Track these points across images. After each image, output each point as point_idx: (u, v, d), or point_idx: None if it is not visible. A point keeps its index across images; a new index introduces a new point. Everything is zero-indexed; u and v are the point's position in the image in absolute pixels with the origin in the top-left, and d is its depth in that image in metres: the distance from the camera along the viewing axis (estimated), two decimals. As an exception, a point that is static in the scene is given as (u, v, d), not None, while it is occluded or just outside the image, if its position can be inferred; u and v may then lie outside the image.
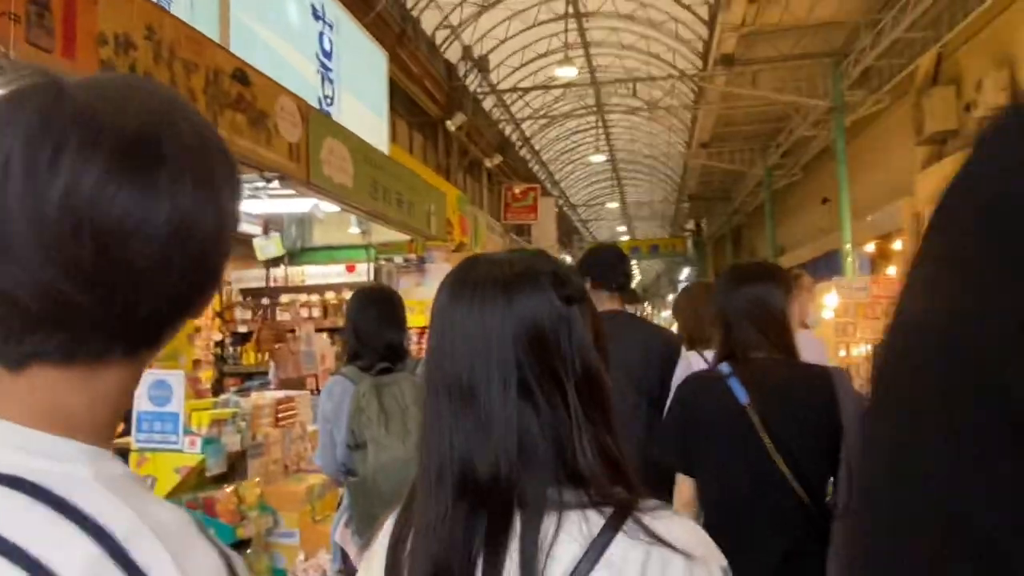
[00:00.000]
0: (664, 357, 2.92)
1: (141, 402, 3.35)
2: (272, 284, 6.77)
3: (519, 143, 23.14)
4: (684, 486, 2.16)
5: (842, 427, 1.88)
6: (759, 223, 27.76)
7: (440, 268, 7.12)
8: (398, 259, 7.17)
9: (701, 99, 15.88)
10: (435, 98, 14.61)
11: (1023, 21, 10.63)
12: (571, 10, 15.34)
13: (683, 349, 3.15)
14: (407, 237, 6.88)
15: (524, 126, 22.72)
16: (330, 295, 6.57)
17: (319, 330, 6.64)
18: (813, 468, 1.94)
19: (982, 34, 11.63)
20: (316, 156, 4.09)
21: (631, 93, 15.41)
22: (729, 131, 19.97)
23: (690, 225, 37.55)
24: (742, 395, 2.01)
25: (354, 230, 7.10)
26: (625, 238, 45.54)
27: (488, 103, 18.19)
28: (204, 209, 0.57)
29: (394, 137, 12.92)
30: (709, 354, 2.70)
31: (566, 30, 16.00)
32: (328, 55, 5.72)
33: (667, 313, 59.42)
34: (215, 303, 6.85)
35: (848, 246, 13.21)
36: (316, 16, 5.53)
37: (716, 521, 1.97)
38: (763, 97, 14.63)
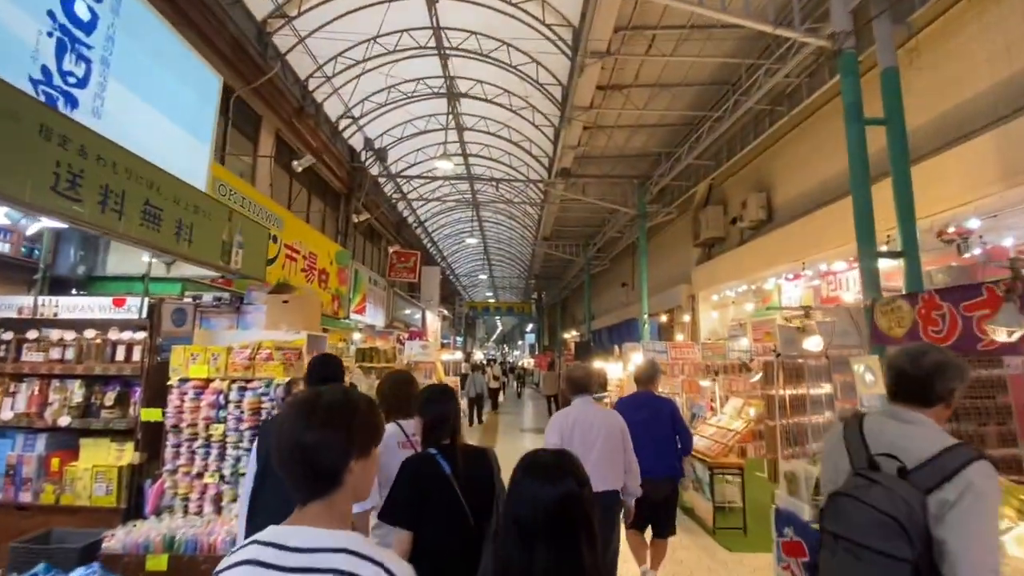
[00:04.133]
0: None
1: None
2: (19, 316, 3.63)
3: (415, 224, 20.51)
4: (405, 538, 1.92)
5: (495, 486, 1.92)
6: (579, 297, 26.66)
7: (258, 311, 4.22)
8: (207, 297, 4.25)
9: (546, 200, 14.08)
10: (336, 174, 11.75)
11: (775, 160, 9.62)
12: (453, 123, 13.20)
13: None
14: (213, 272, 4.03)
15: (420, 212, 20.19)
16: (90, 333, 3.53)
17: (69, 376, 3.53)
18: (483, 513, 1.88)
19: (743, 170, 10.59)
20: None
21: (495, 188, 13.38)
22: (563, 230, 18.49)
23: (535, 295, 36.44)
24: (447, 467, 1.94)
25: (147, 259, 4.11)
26: (492, 300, 43.65)
27: (389, 188, 15.49)
28: None
29: (290, 203, 9.89)
30: (405, 423, 2.56)
31: (445, 141, 13.81)
32: (83, 25, 2.87)
33: (517, 352, 57.72)
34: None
35: (646, 316, 11.52)
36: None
37: (431, 555, 1.88)
38: (590, 203, 12.98)
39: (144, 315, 3.45)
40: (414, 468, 1.97)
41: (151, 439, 3.43)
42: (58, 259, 3.85)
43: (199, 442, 3.40)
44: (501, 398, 21.49)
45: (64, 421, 3.42)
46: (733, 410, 5.69)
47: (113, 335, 3.52)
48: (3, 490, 3.35)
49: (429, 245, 23.94)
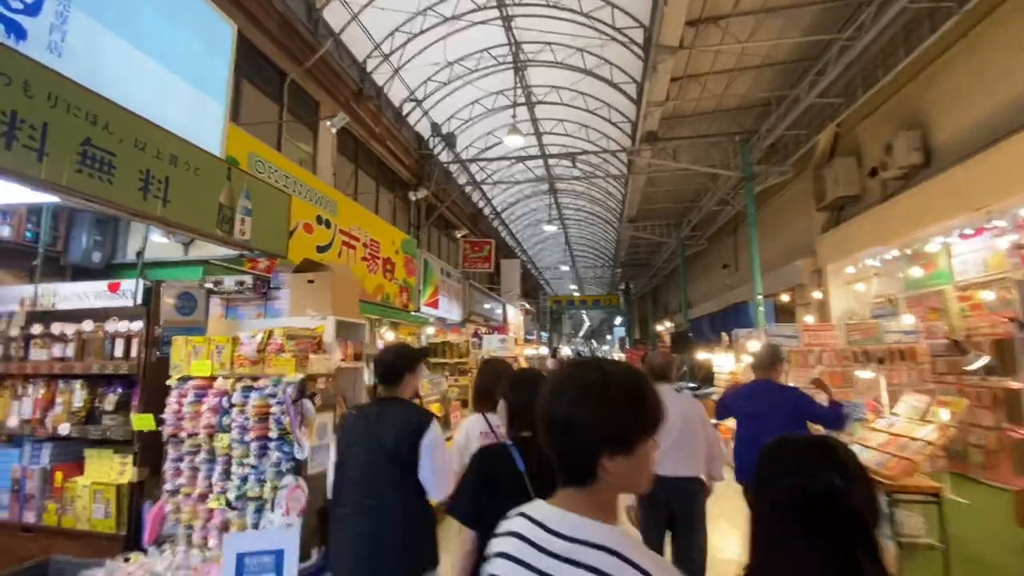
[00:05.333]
0: (411, 429, 2.14)
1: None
2: (24, 308, 3.23)
3: (491, 216, 19.95)
4: (467, 538, 1.72)
5: None
6: (672, 285, 24.59)
7: (288, 296, 3.59)
8: (229, 281, 3.69)
9: (631, 172, 12.65)
10: (403, 162, 11.33)
11: (935, 84, 7.52)
12: (522, 99, 12.26)
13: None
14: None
15: (496, 202, 19.57)
16: (88, 326, 3.05)
17: (71, 376, 3.06)
18: None
19: (886, 105, 8.50)
20: None
21: (572, 163, 12.26)
22: (651, 209, 16.85)
23: (622, 286, 34.61)
24: (521, 464, 1.69)
25: (159, 239, 3.60)
26: (576, 294, 42.30)
27: (462, 179, 14.95)
28: None
29: (356, 193, 9.55)
30: (492, 415, 2.51)
31: (515, 119, 12.88)
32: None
33: (606, 347, 56.00)
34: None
35: (759, 297, 9.78)
36: None
37: None
38: (682, 169, 11.39)
39: (139, 300, 2.85)
40: (483, 460, 1.81)
41: (153, 452, 2.85)
42: (70, 245, 3.47)
43: (201, 456, 2.75)
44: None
45: (64, 429, 2.94)
46: (912, 411, 4.14)
47: (111, 326, 2.99)
48: (8, 508, 2.94)
49: (508, 238, 23.32)
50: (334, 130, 6.72)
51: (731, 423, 3.92)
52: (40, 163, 1.90)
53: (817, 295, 9.51)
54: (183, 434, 2.77)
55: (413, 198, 10.47)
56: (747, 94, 9.70)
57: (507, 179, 14.81)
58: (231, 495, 2.65)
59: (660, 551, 2.97)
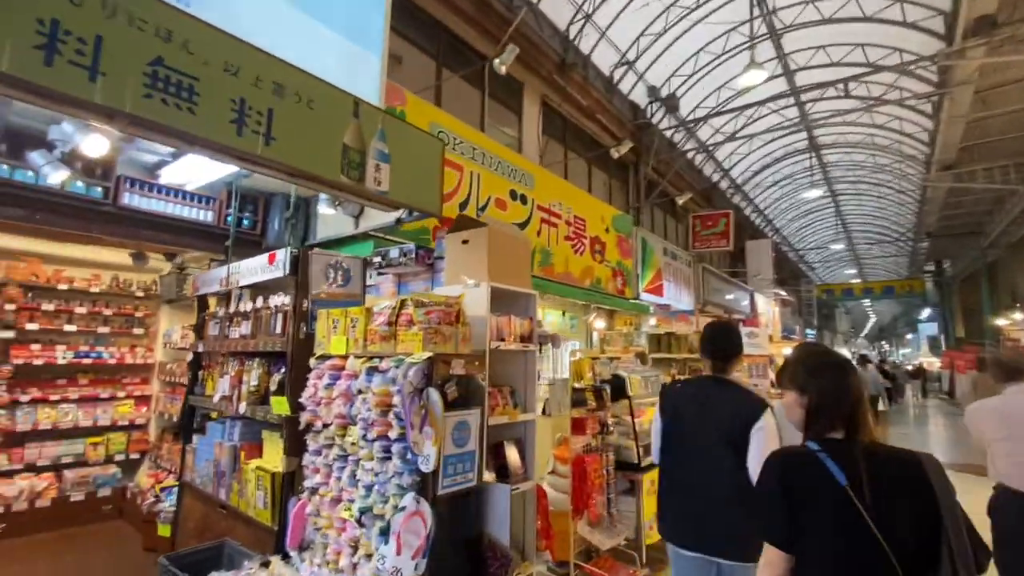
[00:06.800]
0: (745, 413, 2.07)
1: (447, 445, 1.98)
2: (221, 288, 3.38)
3: (730, 191, 17.15)
4: (776, 561, 1.31)
5: (940, 515, 1.17)
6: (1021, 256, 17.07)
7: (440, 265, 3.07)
8: (394, 252, 3.26)
9: (944, 88, 8.77)
10: (617, 137, 10.26)
11: None
12: (762, 29, 9.81)
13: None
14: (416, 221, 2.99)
15: (735, 174, 16.75)
16: (259, 301, 2.95)
17: (246, 354, 3.02)
18: (920, 555, 1.16)
19: None
20: None
21: (844, 92, 9.15)
22: (981, 146, 11.76)
23: (930, 266, 25.97)
24: (840, 476, 1.26)
25: (326, 210, 3.40)
26: (856, 280, 33.79)
27: (689, 145, 13.06)
28: None
29: (565, 169, 8.96)
30: None
31: (753, 59, 10.39)
32: None
33: (906, 350, 43.65)
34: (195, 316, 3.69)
35: None
36: None
37: None
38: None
39: (287, 271, 2.58)
40: (786, 471, 1.35)
41: (301, 441, 2.53)
42: (267, 228, 3.61)
43: (335, 451, 2.29)
44: (881, 406, 15.56)
45: (242, 408, 2.90)
46: None
47: (273, 300, 2.84)
48: (212, 482, 3.06)
49: (754, 216, 19.85)
50: (503, 68, 6.15)
51: None
52: (93, 83, 1.59)
53: None
54: (319, 423, 2.36)
55: (615, 155, 9.14)
56: None
57: (749, 135, 12.23)
58: (357, 507, 2.09)
59: None
